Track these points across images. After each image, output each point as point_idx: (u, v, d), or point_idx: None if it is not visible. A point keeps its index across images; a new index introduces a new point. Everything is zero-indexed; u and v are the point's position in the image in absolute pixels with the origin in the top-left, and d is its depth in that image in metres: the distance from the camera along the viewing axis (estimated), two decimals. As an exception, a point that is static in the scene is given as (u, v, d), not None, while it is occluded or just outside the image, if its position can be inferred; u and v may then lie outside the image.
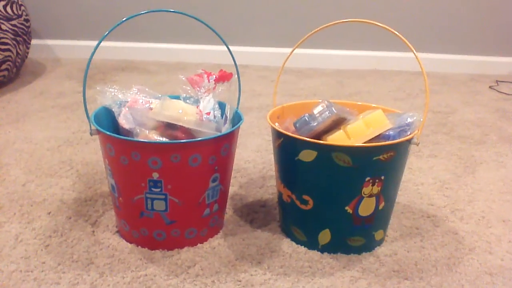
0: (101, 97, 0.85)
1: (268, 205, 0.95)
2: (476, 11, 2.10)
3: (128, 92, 0.87)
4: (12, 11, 1.77)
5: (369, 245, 0.81)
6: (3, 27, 1.70)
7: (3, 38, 1.69)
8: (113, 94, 0.86)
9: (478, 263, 0.79)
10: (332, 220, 0.78)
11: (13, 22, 1.77)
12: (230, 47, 0.89)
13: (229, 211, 0.92)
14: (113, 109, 0.85)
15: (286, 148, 0.78)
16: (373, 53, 2.15)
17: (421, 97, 1.74)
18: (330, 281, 0.73)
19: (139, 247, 0.80)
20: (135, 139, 0.77)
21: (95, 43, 0.74)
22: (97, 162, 1.11)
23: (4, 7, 1.74)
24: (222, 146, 0.77)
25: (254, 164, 1.14)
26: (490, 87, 1.94)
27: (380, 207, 0.78)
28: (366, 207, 0.76)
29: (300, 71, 2.04)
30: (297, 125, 0.80)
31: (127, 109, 0.84)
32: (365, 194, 0.75)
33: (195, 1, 2.07)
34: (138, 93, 0.87)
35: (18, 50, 1.80)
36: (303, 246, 0.81)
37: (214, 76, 0.88)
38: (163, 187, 0.74)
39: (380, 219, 0.80)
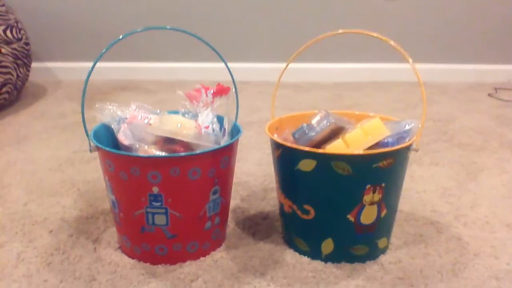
0: (100, 114, 0.86)
1: (270, 217, 0.95)
2: (472, 20, 2.12)
3: (127, 109, 0.87)
4: (12, 35, 1.79)
5: (373, 254, 0.80)
6: (3, 50, 1.72)
7: (3, 61, 1.71)
8: (112, 111, 0.86)
9: (483, 268, 0.78)
10: (334, 229, 0.77)
11: (13, 46, 1.79)
12: (229, 64, 0.90)
13: (231, 224, 0.92)
14: (112, 126, 0.85)
15: (285, 158, 0.78)
16: (370, 65, 2.17)
17: (420, 107, 1.74)
18: (334, 291, 0.73)
19: (141, 262, 0.80)
20: (134, 154, 0.77)
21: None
22: (98, 180, 1.11)
23: (4, 31, 1.76)
24: (221, 159, 0.77)
25: (255, 177, 1.14)
26: (489, 94, 1.95)
27: (382, 214, 0.77)
28: (368, 215, 0.76)
29: (298, 85, 2.05)
30: (296, 135, 0.80)
31: (126, 125, 0.85)
32: (366, 202, 0.75)
33: (192, 19, 2.10)
34: (137, 109, 0.88)
35: (19, 73, 1.81)
36: (306, 257, 0.81)
37: (212, 90, 0.88)
38: (164, 201, 0.74)
39: (382, 226, 0.79)
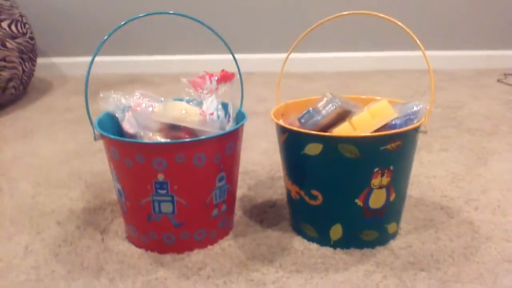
0: (104, 103, 0.85)
1: (278, 205, 0.94)
2: (479, 5, 2.09)
3: (131, 97, 0.87)
4: (17, 29, 1.79)
5: (382, 239, 0.79)
6: (8, 45, 1.72)
7: (8, 56, 1.71)
8: (116, 99, 0.86)
9: (496, 251, 0.77)
10: (343, 214, 0.76)
11: (18, 40, 1.79)
12: (234, 55, 0.88)
13: (238, 213, 0.91)
14: (116, 115, 0.85)
15: (291, 143, 0.77)
16: (377, 54, 2.14)
17: (429, 94, 1.72)
18: (344, 276, 0.72)
19: (149, 251, 0.79)
20: (138, 140, 0.76)
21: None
22: (105, 172, 1.11)
23: (9, 25, 1.76)
24: (226, 145, 0.76)
25: (262, 166, 1.13)
26: (498, 80, 1.92)
27: (391, 198, 0.76)
28: (377, 199, 0.75)
29: (304, 75, 2.03)
30: (302, 120, 0.79)
31: (130, 113, 0.84)
32: (374, 186, 0.74)
33: (197, 10, 2.08)
34: (141, 97, 0.87)
35: (24, 67, 1.82)
36: (315, 243, 0.80)
37: (216, 77, 0.87)
38: (169, 188, 0.73)
39: (392, 211, 0.78)
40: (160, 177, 0.73)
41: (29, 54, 1.86)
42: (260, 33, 2.15)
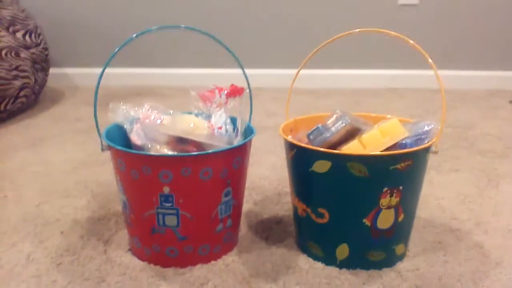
0: (113, 114, 0.85)
1: (284, 222, 0.93)
2: (491, 26, 2.08)
3: (140, 109, 0.87)
4: (31, 39, 1.82)
5: (389, 260, 0.77)
6: (22, 54, 1.75)
7: (22, 65, 1.73)
8: (125, 111, 0.86)
9: (506, 277, 0.75)
10: (350, 234, 0.75)
11: (31, 50, 1.81)
12: (244, 69, 0.88)
13: (243, 228, 0.90)
14: (125, 126, 0.84)
15: (299, 159, 0.76)
16: (388, 72, 2.14)
17: (439, 113, 1.71)
18: (349, 298, 0.70)
19: (152, 264, 0.78)
20: (145, 152, 0.76)
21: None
22: (111, 182, 1.10)
23: (23, 36, 1.79)
24: (234, 159, 0.75)
25: (269, 181, 1.12)
26: (510, 101, 1.90)
27: (400, 219, 0.75)
28: (385, 220, 0.73)
29: (315, 91, 2.03)
30: (311, 136, 0.78)
31: (138, 125, 0.84)
32: (383, 206, 0.72)
33: (206, 25, 2.10)
34: (150, 109, 0.87)
35: (37, 77, 1.83)
36: (320, 262, 0.78)
37: (226, 91, 0.87)
38: (175, 201, 0.73)
39: (400, 232, 0.76)
40: (166, 190, 0.72)
41: (42, 64, 1.88)
42: (271, 48, 2.15)
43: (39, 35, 1.88)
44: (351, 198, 0.72)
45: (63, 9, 2.18)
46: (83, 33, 2.22)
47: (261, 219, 0.94)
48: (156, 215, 0.74)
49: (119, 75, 2.17)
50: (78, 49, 2.24)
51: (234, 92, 0.87)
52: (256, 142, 1.32)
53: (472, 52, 2.12)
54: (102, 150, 0.77)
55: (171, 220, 0.74)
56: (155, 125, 0.81)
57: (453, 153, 1.31)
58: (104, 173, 1.17)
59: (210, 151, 0.73)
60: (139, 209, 0.75)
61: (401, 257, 0.79)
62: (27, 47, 1.80)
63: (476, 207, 0.99)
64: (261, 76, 2.09)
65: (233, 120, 0.86)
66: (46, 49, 1.92)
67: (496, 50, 2.11)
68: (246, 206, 0.98)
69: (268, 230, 0.90)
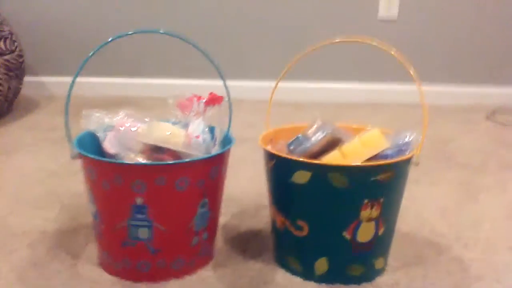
0: (86, 121, 0.82)
1: (262, 235, 0.90)
2: (467, 41, 2.12)
3: (114, 116, 0.83)
4: (5, 46, 1.77)
5: (368, 275, 0.75)
6: (-5, 61, 1.69)
7: (-6, 72, 1.68)
8: (98, 118, 0.82)
9: (487, 292, 0.73)
10: (329, 247, 0.73)
11: (6, 57, 1.76)
12: (224, 79, 0.86)
13: (220, 241, 0.87)
14: (98, 134, 0.81)
15: (279, 170, 0.74)
16: (367, 86, 2.15)
17: (419, 127, 1.71)
18: (328, 314, 0.67)
19: (122, 280, 0.74)
20: (116, 160, 0.73)
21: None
22: (83, 193, 1.06)
23: (-3, 42, 1.73)
24: (211, 169, 0.73)
25: (247, 194, 1.09)
26: (487, 117, 1.93)
27: (380, 232, 0.73)
28: (365, 233, 0.71)
29: (296, 103, 2.02)
30: (291, 147, 0.77)
31: (112, 133, 0.81)
32: (363, 218, 0.70)
33: (187, 33, 2.08)
34: (125, 117, 0.84)
35: (10, 85, 1.78)
36: (298, 277, 0.76)
37: (204, 100, 0.85)
38: (148, 213, 0.70)
39: (380, 245, 0.75)
40: (139, 200, 0.69)
41: (16, 71, 1.82)
42: (252, 59, 2.14)
43: (14, 42, 1.83)
44: (331, 210, 0.70)
45: (40, 15, 2.14)
46: (60, 41, 2.17)
47: (238, 232, 0.91)
48: (128, 227, 0.71)
49: (97, 84, 2.13)
50: (55, 56, 2.19)
51: (213, 100, 0.85)
52: (235, 154, 1.30)
53: (449, 67, 2.15)
54: (72, 157, 0.73)
55: (143, 233, 0.71)
56: (129, 133, 0.78)
57: (432, 166, 1.31)
58: (76, 184, 1.12)
59: (187, 159, 0.70)
60: (110, 221, 0.72)
61: (380, 272, 0.77)
62: (1, 54, 1.74)
63: (455, 221, 0.98)
64: (241, 87, 2.08)
65: (211, 130, 0.84)
66: (21, 56, 1.87)
67: (473, 65, 2.15)
68: (223, 219, 0.95)
69: (246, 244, 0.87)
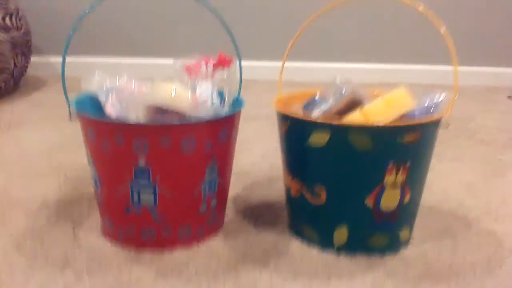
0: (86, 84, 0.76)
1: (276, 207, 0.84)
2: (487, 22, 2.03)
3: (117, 78, 0.78)
4: (11, 22, 1.72)
5: (393, 246, 0.69)
6: (0, 37, 1.65)
7: (-1, 47, 1.63)
8: (100, 80, 0.77)
9: (523, 266, 0.67)
10: (349, 216, 0.66)
11: (12, 34, 1.71)
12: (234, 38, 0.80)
13: (230, 213, 0.81)
14: (99, 98, 0.76)
15: (294, 133, 0.67)
16: (384, 66, 2.07)
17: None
18: (348, 285, 0.62)
19: (125, 249, 0.69)
20: (117, 120, 0.67)
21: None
22: (87, 166, 1.01)
23: (3, 18, 1.69)
24: (220, 132, 0.67)
25: (259, 168, 1.03)
26: (508, 97, 1.84)
27: (405, 200, 0.67)
28: (389, 200, 0.65)
29: (310, 84, 1.95)
30: (307, 108, 0.70)
31: (115, 96, 0.75)
32: (387, 184, 0.64)
33: (199, 18, 2.02)
34: (129, 80, 0.78)
35: (16, 61, 1.74)
36: (316, 247, 0.70)
37: (213, 62, 0.79)
38: (151, 177, 0.64)
39: (405, 215, 0.68)
40: (141, 163, 0.63)
41: (23, 48, 1.78)
42: (265, 40, 2.08)
43: (20, 19, 1.78)
44: (352, 175, 0.64)
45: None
46: (69, 21, 2.12)
47: (250, 204, 0.85)
48: (130, 192, 0.65)
49: (101, 65, 2.07)
50: (63, 37, 2.14)
51: (222, 62, 0.79)
52: (247, 131, 1.24)
53: (468, 49, 2.06)
54: (70, 119, 0.68)
55: (147, 198, 0.65)
56: (133, 95, 0.72)
57: (454, 142, 1.24)
58: (81, 156, 1.07)
59: (193, 120, 0.65)
60: (112, 186, 0.66)
61: (405, 243, 0.71)
62: (6, 30, 1.70)
63: (483, 196, 0.91)
64: (254, 68, 2.01)
65: (221, 94, 0.77)
66: (27, 33, 1.82)
67: (492, 46, 2.06)
68: (233, 191, 0.89)
69: (258, 215, 0.81)
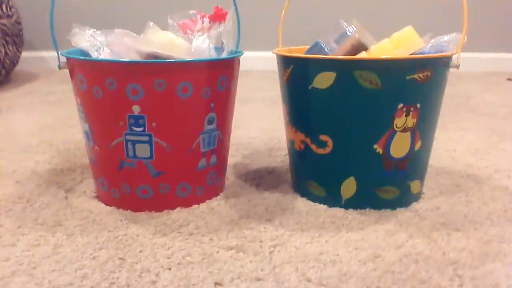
0: (77, 39, 0.72)
1: (278, 171, 0.80)
2: (486, 7, 2.01)
3: (109, 34, 0.74)
4: (2, 10, 1.68)
5: (403, 199, 0.65)
6: (-11, 21, 1.61)
7: (-12, 33, 1.59)
8: (91, 36, 0.73)
9: (542, 214, 0.63)
10: (358, 164, 0.63)
11: (2, 21, 1.67)
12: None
13: (231, 177, 0.78)
14: (90, 53, 0.72)
15: (297, 77, 0.64)
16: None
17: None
18: (360, 235, 0.58)
19: (121, 209, 0.65)
20: (108, 59, 0.63)
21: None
22: (81, 141, 0.97)
23: (-7, 5, 1.65)
24: (218, 78, 0.63)
25: (259, 139, 1.00)
26: (508, 79, 1.82)
27: (416, 147, 0.63)
28: (400, 146, 0.61)
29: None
30: (310, 53, 0.67)
31: (108, 51, 0.71)
32: (397, 128, 0.60)
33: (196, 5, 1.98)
34: (122, 35, 0.74)
35: (7, 50, 1.70)
36: (322, 204, 0.66)
37: (209, 16, 0.75)
38: (147, 125, 0.60)
39: (416, 164, 0.64)
40: (136, 109, 0.59)
41: (14, 37, 1.74)
42: (259, 30, 2.04)
43: (11, 8, 1.74)
44: (360, 118, 0.60)
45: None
46: (61, 16, 2.08)
47: (251, 169, 0.82)
48: (124, 143, 0.61)
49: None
50: (57, 32, 2.10)
51: (219, 16, 0.75)
52: (244, 111, 1.21)
53: (467, 35, 2.04)
54: (60, 67, 0.64)
55: (143, 150, 0.61)
56: (126, 44, 0.68)
57: (457, 116, 1.21)
58: (73, 133, 1.04)
59: (189, 59, 0.61)
60: (104, 138, 0.62)
61: (416, 197, 0.67)
62: (-4, 17, 1.66)
63: (491, 157, 0.88)
64: (250, 58, 1.98)
65: (217, 50, 0.74)
66: (19, 23, 1.78)
67: (491, 32, 2.04)
68: (233, 159, 0.86)
69: (260, 179, 0.77)
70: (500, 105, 1.34)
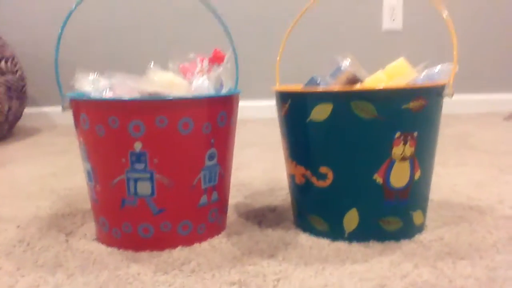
0: (80, 83, 0.74)
1: (279, 210, 0.80)
2: (477, 49, 2.07)
3: (112, 77, 0.76)
4: (6, 65, 1.74)
5: (407, 230, 0.65)
6: (-6, 77, 1.65)
7: (-7, 88, 1.63)
8: (94, 79, 0.75)
9: (549, 241, 0.62)
10: (359, 195, 0.63)
11: (7, 77, 1.72)
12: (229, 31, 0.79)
13: (232, 216, 0.77)
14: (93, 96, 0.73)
15: (295, 111, 0.65)
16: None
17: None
18: (365, 267, 0.57)
19: (122, 250, 0.64)
20: (111, 97, 0.64)
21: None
22: (82, 187, 0.97)
23: (-2, 61, 1.70)
24: (218, 113, 0.64)
25: (260, 181, 1.00)
26: (504, 118, 1.85)
27: (416, 176, 0.63)
28: (400, 175, 0.62)
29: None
30: (306, 87, 0.68)
31: (111, 93, 0.73)
32: (396, 157, 0.61)
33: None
34: (124, 78, 0.76)
35: (11, 105, 1.73)
36: (325, 238, 0.65)
37: (208, 58, 0.78)
38: (148, 161, 0.61)
39: (417, 193, 0.64)
40: (138, 146, 0.60)
41: (17, 93, 1.78)
42: (255, 79, 2.10)
43: (15, 64, 1.80)
44: (358, 149, 0.61)
45: (43, 47, 2.12)
46: (63, 72, 2.14)
47: (252, 208, 0.81)
48: (126, 181, 0.62)
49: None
50: (57, 88, 2.16)
51: (218, 58, 0.78)
52: (245, 154, 1.22)
53: (459, 76, 2.09)
54: (63, 109, 0.65)
55: (144, 187, 0.62)
56: (129, 86, 0.70)
57: (457, 152, 1.22)
58: (74, 181, 1.04)
59: (189, 95, 0.62)
60: (106, 176, 0.63)
61: (419, 229, 0.66)
62: (1, 73, 1.71)
63: (493, 190, 0.88)
64: (244, 108, 2.01)
65: (217, 90, 0.76)
66: (23, 79, 1.83)
67: (484, 73, 2.09)
68: (235, 199, 0.85)
69: (261, 217, 0.77)
70: (498, 142, 1.35)
